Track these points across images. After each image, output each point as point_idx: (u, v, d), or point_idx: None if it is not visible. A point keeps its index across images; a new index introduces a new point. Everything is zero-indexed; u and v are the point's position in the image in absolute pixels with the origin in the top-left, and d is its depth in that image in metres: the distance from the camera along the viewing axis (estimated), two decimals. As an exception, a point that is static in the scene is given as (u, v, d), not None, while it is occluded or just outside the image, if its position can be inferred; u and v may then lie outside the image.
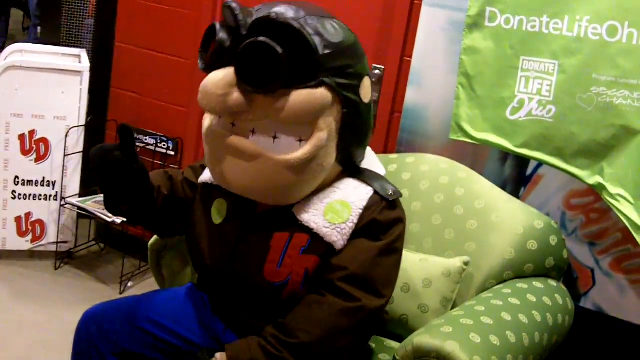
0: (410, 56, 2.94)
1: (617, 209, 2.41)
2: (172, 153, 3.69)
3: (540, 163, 2.64)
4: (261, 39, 1.63)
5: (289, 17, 1.68)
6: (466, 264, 2.27)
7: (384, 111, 3.05)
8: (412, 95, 2.94)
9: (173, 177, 2.10)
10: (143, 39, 3.73)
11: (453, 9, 2.79)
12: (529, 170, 2.78)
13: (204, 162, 2.07)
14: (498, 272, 2.32)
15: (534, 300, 2.19)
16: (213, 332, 2.03)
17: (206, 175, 2.04)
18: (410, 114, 2.95)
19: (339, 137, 1.81)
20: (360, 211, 1.83)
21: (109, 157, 1.78)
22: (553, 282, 2.37)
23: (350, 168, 1.93)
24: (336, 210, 1.83)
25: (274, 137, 1.73)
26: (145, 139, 3.71)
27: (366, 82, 1.84)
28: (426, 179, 2.52)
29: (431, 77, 2.90)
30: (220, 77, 1.68)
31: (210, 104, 1.70)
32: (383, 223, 1.85)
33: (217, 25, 1.74)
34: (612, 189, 2.42)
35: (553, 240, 2.37)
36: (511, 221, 2.35)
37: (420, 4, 2.88)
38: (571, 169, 2.48)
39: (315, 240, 1.83)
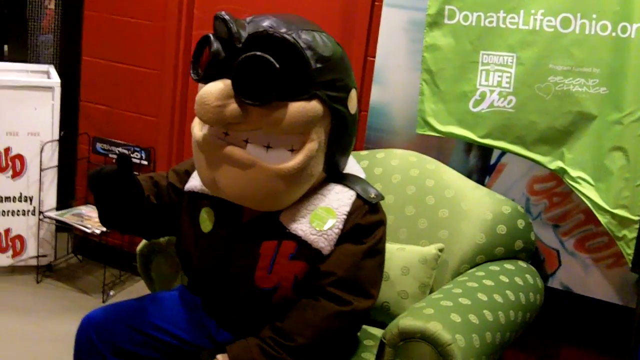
0: (374, 56, 3.05)
1: (578, 191, 2.55)
2: (145, 162, 3.75)
3: (504, 152, 2.77)
4: (259, 53, 1.69)
5: (284, 32, 1.74)
6: (440, 250, 2.38)
7: (352, 110, 3.14)
8: (377, 94, 3.05)
9: (158, 183, 2.16)
10: (110, 52, 3.79)
11: (413, 9, 2.90)
12: (493, 160, 2.90)
13: (187, 167, 2.15)
14: (471, 256, 2.44)
15: (507, 280, 2.32)
16: (207, 331, 2.10)
17: (192, 183, 2.10)
18: (376, 112, 3.06)
19: (327, 147, 1.90)
20: (345, 217, 1.91)
21: (108, 183, 1.87)
22: (523, 264, 2.50)
23: (334, 174, 2.01)
24: (321, 217, 1.91)
25: (267, 147, 1.80)
26: (118, 150, 3.77)
27: (353, 94, 1.92)
28: (397, 172, 2.63)
29: (394, 75, 3.01)
30: (217, 89, 1.73)
31: (207, 115, 1.74)
32: (366, 227, 1.93)
33: (212, 37, 1.79)
34: (573, 172, 2.56)
35: (520, 223, 2.50)
36: (480, 208, 2.48)
37: (381, 5, 2.99)
38: (533, 155, 2.61)
39: (303, 247, 1.90)
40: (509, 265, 2.44)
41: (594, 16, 2.42)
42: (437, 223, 2.50)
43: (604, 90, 2.46)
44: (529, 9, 2.51)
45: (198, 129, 1.89)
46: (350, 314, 1.88)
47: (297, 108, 1.76)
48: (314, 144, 1.83)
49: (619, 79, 2.43)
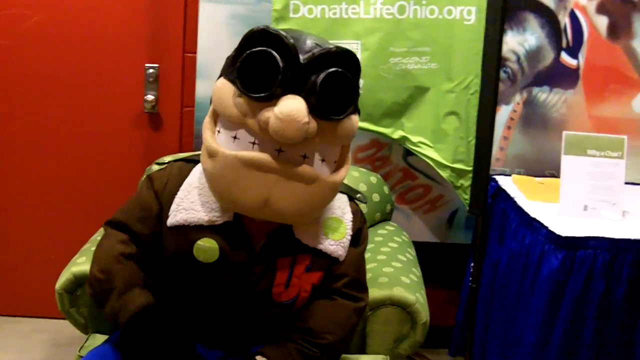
0: (193, 52, 3.12)
1: (421, 153, 2.97)
2: None
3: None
4: (341, 70, 1.71)
5: (342, 47, 1.76)
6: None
7: (174, 107, 3.21)
8: (203, 88, 3.10)
9: (133, 255, 1.94)
10: None
11: (232, 3, 3.03)
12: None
13: (144, 213, 1.97)
14: (359, 225, 2.73)
15: (400, 240, 2.67)
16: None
17: (180, 217, 1.92)
18: (203, 106, 3.08)
19: None
20: (351, 223, 2.01)
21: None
22: (394, 223, 2.87)
23: None
24: (333, 227, 1.97)
25: (322, 161, 1.80)
26: None
27: None
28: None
29: (219, 69, 3.10)
30: (303, 106, 1.67)
31: (297, 132, 1.66)
32: (362, 229, 2.07)
33: (275, 53, 1.69)
34: (414, 138, 2.96)
35: (386, 189, 2.86)
36: (355, 182, 2.74)
37: (194, 1, 3.07)
38: (379, 128, 2.97)
39: (318, 256, 1.95)
40: (389, 227, 2.79)
41: (424, 2, 2.82)
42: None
43: (435, 65, 2.88)
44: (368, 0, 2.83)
45: (229, 148, 1.77)
46: (363, 309, 2.04)
47: (352, 120, 1.82)
48: (349, 155, 1.92)
49: (448, 55, 2.87)
